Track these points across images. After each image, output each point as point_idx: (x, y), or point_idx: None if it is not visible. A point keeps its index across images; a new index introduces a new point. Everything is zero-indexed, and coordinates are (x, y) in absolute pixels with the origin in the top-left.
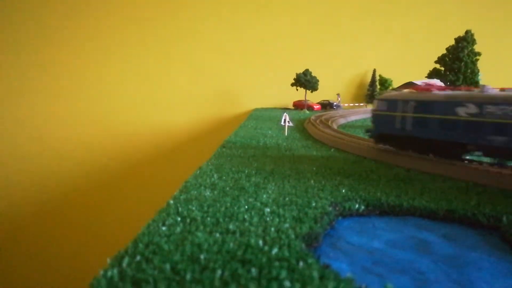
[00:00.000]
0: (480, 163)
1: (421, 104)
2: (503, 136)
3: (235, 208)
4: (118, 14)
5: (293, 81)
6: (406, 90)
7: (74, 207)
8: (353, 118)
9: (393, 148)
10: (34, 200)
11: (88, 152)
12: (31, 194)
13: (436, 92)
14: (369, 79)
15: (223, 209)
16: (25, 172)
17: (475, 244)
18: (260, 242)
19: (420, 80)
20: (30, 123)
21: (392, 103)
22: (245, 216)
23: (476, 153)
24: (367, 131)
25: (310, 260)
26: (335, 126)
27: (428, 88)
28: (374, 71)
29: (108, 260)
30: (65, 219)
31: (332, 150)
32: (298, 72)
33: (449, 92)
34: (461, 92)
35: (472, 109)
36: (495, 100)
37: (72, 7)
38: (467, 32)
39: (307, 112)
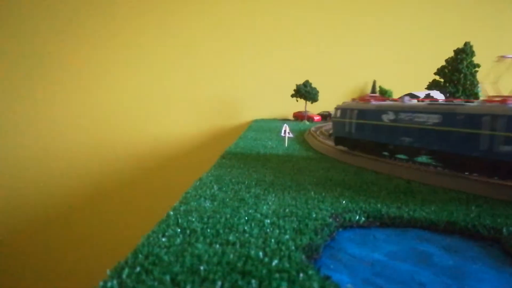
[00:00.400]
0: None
1: (360, 112)
2: (409, 137)
3: (235, 219)
4: (115, 24)
5: (293, 92)
6: (353, 101)
7: (72, 219)
8: None
9: (348, 148)
10: (31, 211)
11: (84, 164)
12: (27, 207)
13: (372, 102)
14: (369, 90)
15: (223, 220)
16: (21, 187)
17: (476, 256)
18: (260, 254)
19: (421, 91)
20: (27, 132)
21: (343, 111)
22: (245, 228)
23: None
24: (330, 135)
25: (310, 272)
26: None
27: (368, 99)
28: (374, 82)
29: (108, 272)
30: (63, 231)
31: (333, 161)
32: (298, 83)
33: (379, 102)
34: (385, 102)
35: (391, 116)
36: (404, 109)
37: (69, 19)
38: (466, 44)
39: (307, 123)
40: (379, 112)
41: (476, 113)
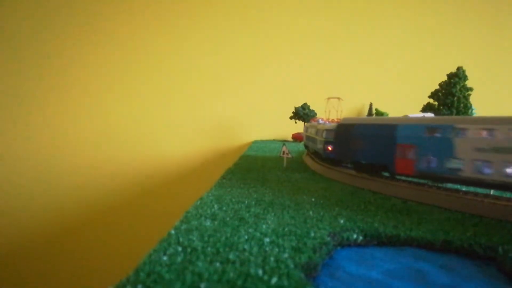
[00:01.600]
0: (476, 194)
1: (306, 128)
2: (312, 143)
3: (235, 238)
4: (113, 47)
5: (292, 114)
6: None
7: (76, 237)
8: None
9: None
10: (34, 228)
11: (88, 182)
12: (30, 224)
13: (311, 123)
14: (366, 112)
15: (223, 239)
16: (23, 204)
17: (471, 275)
18: (260, 272)
19: (416, 113)
20: (26, 155)
21: (304, 128)
22: (245, 246)
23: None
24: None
25: None
26: None
27: (312, 120)
28: (371, 105)
29: None
30: (66, 249)
31: (330, 181)
32: (296, 106)
33: (311, 122)
34: (313, 123)
35: (312, 130)
36: (313, 126)
37: (70, 40)
38: (458, 68)
39: None
40: (309, 128)
41: (319, 128)
